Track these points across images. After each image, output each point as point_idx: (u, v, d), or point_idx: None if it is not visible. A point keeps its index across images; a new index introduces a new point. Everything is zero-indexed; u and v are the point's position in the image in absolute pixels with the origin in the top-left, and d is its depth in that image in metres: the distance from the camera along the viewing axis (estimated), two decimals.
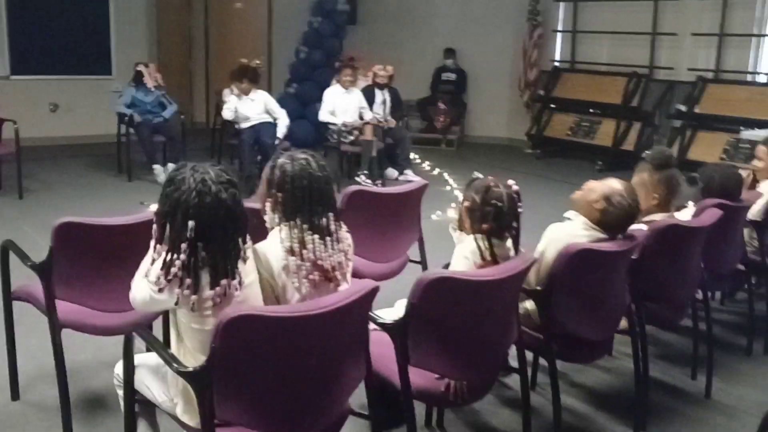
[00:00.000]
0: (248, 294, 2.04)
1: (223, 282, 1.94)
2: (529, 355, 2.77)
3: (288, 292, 2.15)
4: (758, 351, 3.75)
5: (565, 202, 2.95)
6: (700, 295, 3.37)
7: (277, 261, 2.14)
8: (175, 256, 1.91)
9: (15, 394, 2.98)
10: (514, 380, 3.01)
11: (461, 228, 2.53)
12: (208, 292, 1.93)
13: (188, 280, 1.90)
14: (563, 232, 2.70)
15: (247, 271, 2.05)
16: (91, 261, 2.63)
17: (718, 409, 3.22)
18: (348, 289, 1.99)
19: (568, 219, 2.79)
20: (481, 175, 2.51)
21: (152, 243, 2.00)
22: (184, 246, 1.90)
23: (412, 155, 8.03)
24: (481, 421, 3.01)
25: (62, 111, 8.85)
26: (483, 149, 9.74)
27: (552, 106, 9.54)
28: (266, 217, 2.25)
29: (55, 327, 2.59)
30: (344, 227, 2.32)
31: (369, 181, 7.07)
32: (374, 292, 2.03)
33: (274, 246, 2.16)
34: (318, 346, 1.92)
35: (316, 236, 2.16)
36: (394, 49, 9.71)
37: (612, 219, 2.67)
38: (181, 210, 1.92)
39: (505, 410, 3.05)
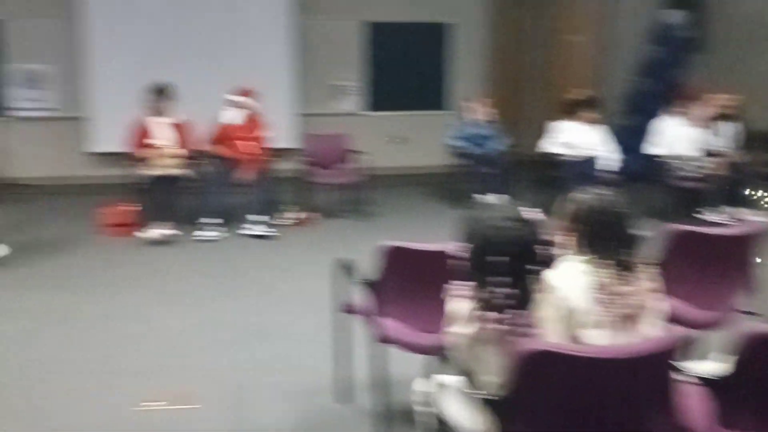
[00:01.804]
0: (543, 327, 2.05)
1: (521, 312, 1.98)
2: None
3: (584, 330, 2.10)
4: None
5: None
6: None
7: (575, 295, 2.09)
8: (482, 289, 2.01)
9: (346, 398, 3.34)
10: None
11: None
12: (502, 322, 1.99)
13: (492, 312, 1.99)
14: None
15: (541, 303, 2.07)
16: (412, 282, 2.87)
17: None
18: (654, 334, 1.89)
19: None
20: None
21: (453, 279, 2.12)
22: (488, 279, 1.99)
23: (758, 193, 7.23)
24: None
25: (404, 143, 9.76)
26: None
27: None
28: (560, 249, 2.22)
29: (377, 340, 2.87)
30: (649, 267, 2.20)
31: (719, 217, 6.61)
32: (684, 341, 1.90)
33: (571, 279, 2.12)
34: (615, 392, 1.85)
35: (622, 273, 2.10)
36: (744, 76, 8.83)
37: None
38: (483, 245, 2.02)
39: None
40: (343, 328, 3.31)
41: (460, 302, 2.12)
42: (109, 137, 8.45)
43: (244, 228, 6.49)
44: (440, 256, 2.80)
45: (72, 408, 3.28)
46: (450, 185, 7.91)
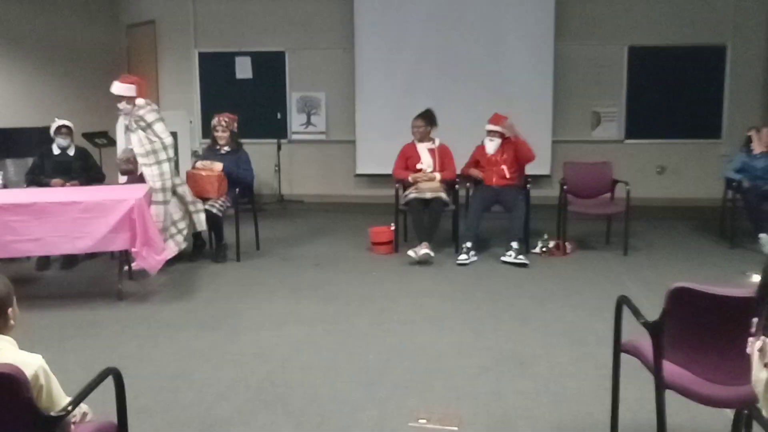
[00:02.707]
0: None
1: None
2: None
3: None
4: None
5: None
6: None
7: None
8: None
9: None
10: None
11: None
12: None
13: None
14: None
15: None
16: (701, 328, 2.66)
17: None
18: None
19: None
20: None
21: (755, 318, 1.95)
22: None
23: None
24: None
25: (668, 173, 9.18)
26: None
27: None
28: None
29: (661, 387, 2.70)
30: None
31: None
32: None
33: None
34: None
35: None
36: None
37: None
38: None
39: None
40: (612, 365, 3.17)
41: (758, 346, 1.94)
42: (375, 160, 9.04)
43: (498, 254, 6.52)
44: (738, 302, 2.57)
45: (343, 414, 3.47)
46: (723, 221, 7.28)
